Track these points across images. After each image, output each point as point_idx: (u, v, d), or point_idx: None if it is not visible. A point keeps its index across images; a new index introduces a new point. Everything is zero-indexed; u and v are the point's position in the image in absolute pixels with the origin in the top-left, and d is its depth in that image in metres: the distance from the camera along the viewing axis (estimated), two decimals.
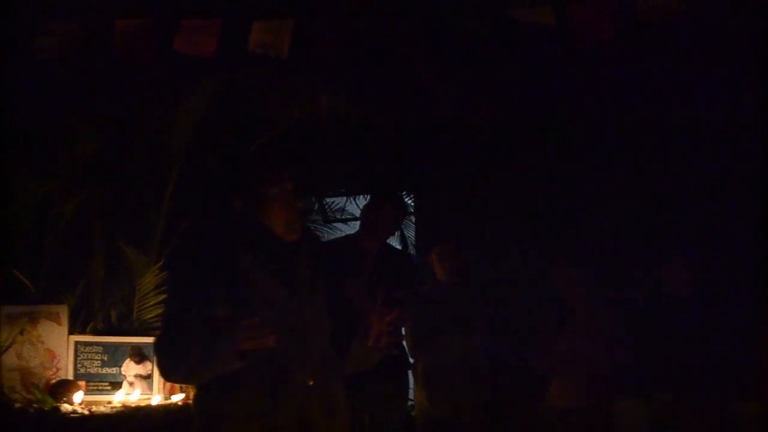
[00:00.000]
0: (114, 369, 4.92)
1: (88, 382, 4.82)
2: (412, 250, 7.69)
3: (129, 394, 4.81)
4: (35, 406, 4.51)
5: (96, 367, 4.89)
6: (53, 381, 4.73)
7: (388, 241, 5.68)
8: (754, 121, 5.57)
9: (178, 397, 4.82)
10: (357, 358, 3.34)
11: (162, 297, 4.97)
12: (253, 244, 3.25)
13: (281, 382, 3.15)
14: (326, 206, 7.97)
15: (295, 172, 3.33)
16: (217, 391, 3.18)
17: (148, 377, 4.92)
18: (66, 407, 4.51)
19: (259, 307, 3.14)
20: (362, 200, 7.55)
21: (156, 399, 4.80)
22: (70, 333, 4.88)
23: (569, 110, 6.30)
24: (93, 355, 4.90)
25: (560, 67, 5.83)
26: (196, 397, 3.36)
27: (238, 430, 3.13)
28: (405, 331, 5.59)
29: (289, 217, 3.27)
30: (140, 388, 4.89)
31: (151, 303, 5.10)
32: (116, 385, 4.88)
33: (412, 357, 5.61)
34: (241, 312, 3.08)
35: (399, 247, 7.40)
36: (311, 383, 3.20)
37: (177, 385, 4.87)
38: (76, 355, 4.85)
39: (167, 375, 3.38)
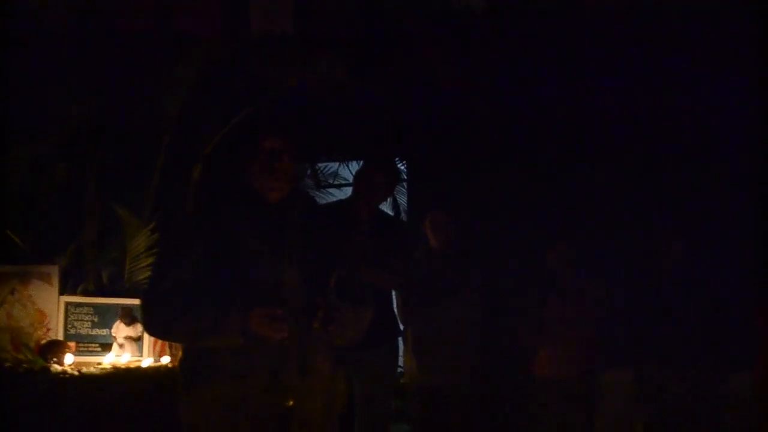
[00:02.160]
0: (104, 330, 4.93)
1: (78, 343, 4.83)
2: (404, 217, 7.69)
3: (119, 355, 4.82)
4: (25, 366, 4.51)
5: (86, 328, 4.89)
6: (43, 341, 4.73)
7: (380, 207, 5.68)
8: (753, 106, 5.57)
9: (166, 359, 4.83)
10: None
11: (153, 259, 4.97)
12: (236, 201, 3.31)
13: (254, 340, 3.17)
14: (319, 171, 7.96)
15: (280, 133, 3.34)
16: (197, 351, 3.25)
17: (138, 339, 4.92)
18: (56, 368, 4.52)
19: (237, 262, 3.20)
20: (355, 165, 7.52)
21: (146, 361, 4.80)
22: (61, 294, 4.87)
23: (567, 85, 6.28)
24: (83, 316, 4.90)
25: (561, 42, 5.81)
26: (181, 359, 3.41)
27: (214, 389, 3.19)
28: (396, 297, 5.61)
29: (268, 177, 3.30)
30: (130, 350, 4.89)
31: (142, 264, 5.10)
32: (106, 347, 4.89)
33: (402, 324, 5.62)
34: (222, 266, 3.16)
35: (391, 213, 7.39)
36: (286, 343, 3.22)
37: (166, 347, 4.88)
38: (66, 316, 4.85)
39: (156, 333, 3.51)
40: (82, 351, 4.82)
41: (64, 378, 4.47)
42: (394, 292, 5.59)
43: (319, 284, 3.28)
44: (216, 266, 3.19)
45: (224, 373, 3.18)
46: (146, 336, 4.90)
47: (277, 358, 3.21)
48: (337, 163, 8.00)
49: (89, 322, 4.90)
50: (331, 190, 7.96)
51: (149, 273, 4.91)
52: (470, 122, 6.67)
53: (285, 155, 3.32)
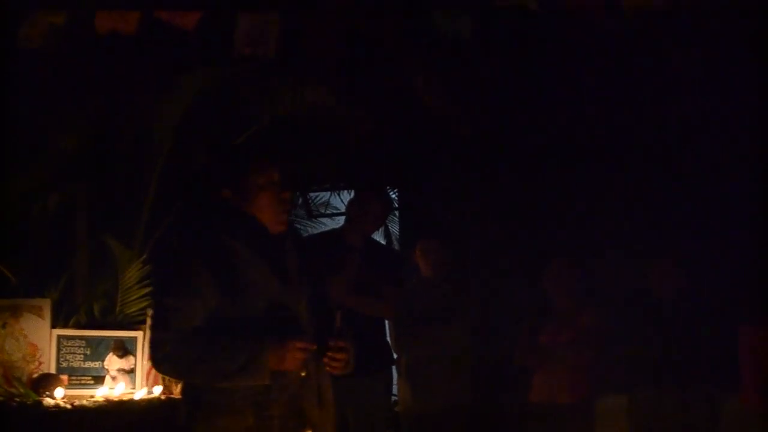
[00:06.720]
0: (97, 363, 4.89)
1: (70, 376, 4.80)
2: (396, 245, 7.70)
3: (112, 388, 4.79)
4: (17, 400, 4.48)
5: (79, 361, 4.86)
6: (35, 375, 4.70)
7: (372, 236, 5.69)
8: (747, 121, 5.58)
9: (158, 390, 4.80)
10: None
11: (145, 291, 4.95)
12: (243, 235, 3.28)
13: (276, 373, 3.17)
14: (311, 201, 7.97)
15: (281, 163, 3.35)
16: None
17: (131, 371, 4.89)
18: (48, 401, 4.48)
19: (253, 297, 3.21)
20: (347, 195, 7.54)
21: (139, 394, 4.77)
22: (53, 327, 4.84)
23: (556, 107, 6.31)
24: (76, 349, 4.87)
25: (546, 65, 5.83)
26: (185, 387, 3.39)
27: (234, 420, 3.18)
28: (389, 325, 5.61)
29: (277, 209, 3.31)
30: (123, 382, 4.86)
31: (134, 297, 5.07)
32: (99, 380, 4.85)
33: (395, 352, 5.61)
34: (235, 301, 3.16)
35: (383, 242, 7.40)
36: (303, 374, 3.24)
37: (159, 378, 4.85)
38: (58, 349, 4.82)
39: (172, 374, 3.52)
40: (74, 384, 4.78)
41: (56, 411, 4.43)
42: (387, 321, 5.59)
43: (324, 317, 3.31)
44: (228, 302, 3.19)
45: (244, 405, 3.18)
46: (139, 368, 4.87)
47: (296, 389, 3.24)
48: (329, 193, 8.02)
49: (81, 355, 4.87)
50: (323, 219, 7.98)
51: (141, 305, 4.95)
52: (460, 149, 6.69)
53: (280, 181, 3.34)
